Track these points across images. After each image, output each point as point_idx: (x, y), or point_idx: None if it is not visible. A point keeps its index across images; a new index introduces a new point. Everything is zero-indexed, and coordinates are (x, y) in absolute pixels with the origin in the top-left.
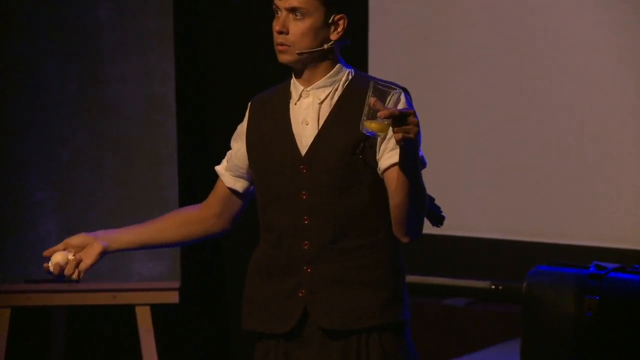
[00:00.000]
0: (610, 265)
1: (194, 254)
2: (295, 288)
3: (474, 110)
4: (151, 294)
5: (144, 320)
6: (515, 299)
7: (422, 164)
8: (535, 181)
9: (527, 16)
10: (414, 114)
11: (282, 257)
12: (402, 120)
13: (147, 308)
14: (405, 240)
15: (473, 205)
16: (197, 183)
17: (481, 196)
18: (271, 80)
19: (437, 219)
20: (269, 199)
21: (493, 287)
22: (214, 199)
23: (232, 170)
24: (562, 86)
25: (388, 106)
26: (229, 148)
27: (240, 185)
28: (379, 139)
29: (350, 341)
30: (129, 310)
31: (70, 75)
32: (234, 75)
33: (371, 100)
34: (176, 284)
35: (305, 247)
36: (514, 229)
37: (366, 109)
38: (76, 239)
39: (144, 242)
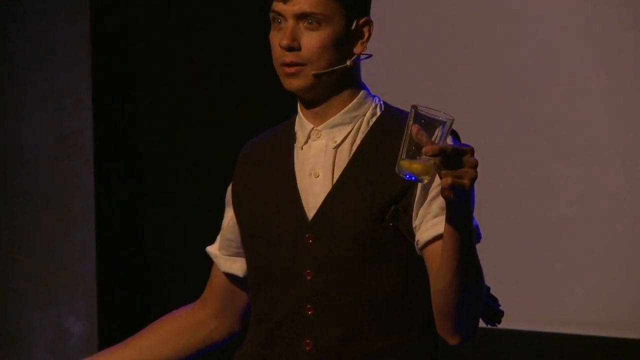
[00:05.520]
0: None
1: None
2: None
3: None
4: None
5: None
6: None
7: (477, 236)
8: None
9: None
10: (472, 152)
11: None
12: (455, 160)
13: None
14: (453, 342)
15: None
16: (122, 254)
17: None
18: (218, 117)
19: (494, 315)
20: (261, 279)
21: None
22: (210, 293)
23: (225, 248)
24: (563, 172)
25: (436, 140)
26: (165, 206)
27: (239, 266)
28: (416, 199)
29: None
30: None
31: None
32: (172, 101)
33: (413, 129)
34: None
35: (307, 348)
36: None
37: (405, 142)
38: None
39: None
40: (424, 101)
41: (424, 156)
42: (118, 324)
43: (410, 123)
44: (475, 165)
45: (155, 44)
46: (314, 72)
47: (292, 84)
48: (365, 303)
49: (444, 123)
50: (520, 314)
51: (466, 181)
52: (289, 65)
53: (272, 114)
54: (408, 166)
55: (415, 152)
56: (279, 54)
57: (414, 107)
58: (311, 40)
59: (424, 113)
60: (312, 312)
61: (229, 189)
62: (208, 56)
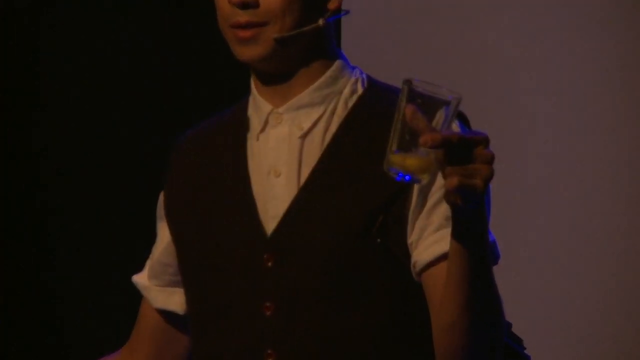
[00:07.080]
0: None
1: None
2: None
3: None
4: None
5: None
6: None
7: (493, 255)
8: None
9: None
10: (486, 143)
11: None
12: (463, 152)
13: None
14: None
15: None
16: (22, 292)
17: None
18: (141, 102)
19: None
20: (206, 316)
21: None
22: (139, 337)
23: (158, 276)
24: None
25: (438, 126)
26: (77, 222)
27: (177, 300)
28: (412, 206)
29: None
30: None
31: None
32: (81, 89)
33: (407, 111)
34: None
35: None
36: None
37: (396, 130)
38: None
39: None
40: (420, 76)
41: (421, 148)
42: None
43: (403, 104)
44: (490, 160)
45: (58, 25)
46: (276, 35)
47: (248, 52)
48: (342, 346)
49: (447, 103)
50: None
51: (478, 181)
52: (244, 27)
53: (214, 97)
54: (400, 162)
55: (409, 142)
56: (228, 12)
57: (408, 81)
58: None
59: (421, 90)
60: (273, 359)
61: (161, 198)
62: (121, 27)
